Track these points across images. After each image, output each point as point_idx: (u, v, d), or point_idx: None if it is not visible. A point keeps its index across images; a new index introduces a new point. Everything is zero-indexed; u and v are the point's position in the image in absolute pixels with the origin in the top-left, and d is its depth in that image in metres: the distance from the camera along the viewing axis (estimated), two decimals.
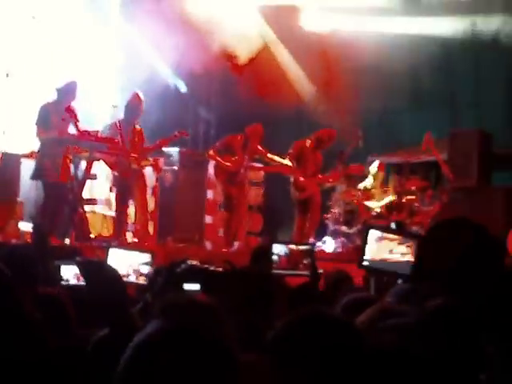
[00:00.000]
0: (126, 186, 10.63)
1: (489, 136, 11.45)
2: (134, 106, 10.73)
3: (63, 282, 5.56)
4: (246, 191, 11.73)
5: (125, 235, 10.71)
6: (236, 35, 13.44)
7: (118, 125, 10.41)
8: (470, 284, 3.46)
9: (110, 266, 3.60)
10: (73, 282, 5.57)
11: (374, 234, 6.85)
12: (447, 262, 3.50)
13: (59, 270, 5.64)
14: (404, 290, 4.66)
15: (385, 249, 6.96)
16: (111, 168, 10.77)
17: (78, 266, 3.45)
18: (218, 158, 11.50)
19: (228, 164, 11.42)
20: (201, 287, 4.58)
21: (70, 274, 5.62)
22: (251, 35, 13.76)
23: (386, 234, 6.96)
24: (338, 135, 11.70)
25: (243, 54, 13.64)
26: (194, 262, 6.34)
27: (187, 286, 4.58)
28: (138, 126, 10.79)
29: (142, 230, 10.80)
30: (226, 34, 13.28)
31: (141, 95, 10.77)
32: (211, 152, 11.63)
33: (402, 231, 9.71)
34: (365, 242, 6.14)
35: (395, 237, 6.63)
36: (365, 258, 6.55)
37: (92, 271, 3.35)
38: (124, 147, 10.44)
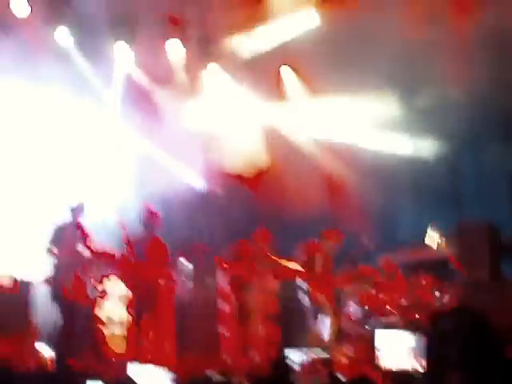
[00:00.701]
0: (142, 302, 10.64)
1: (496, 228, 11.49)
2: (147, 219, 10.87)
3: None
4: (260, 299, 11.61)
5: (143, 352, 10.64)
6: (242, 151, 13.76)
7: (128, 241, 10.50)
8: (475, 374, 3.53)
9: None
10: None
11: (382, 335, 6.95)
12: (452, 353, 3.57)
13: None
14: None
15: (395, 350, 7.08)
16: (127, 284, 10.81)
17: None
18: (229, 267, 11.51)
19: (239, 271, 11.42)
20: None
21: None
22: (257, 151, 14.08)
23: (393, 333, 7.08)
24: (346, 235, 11.81)
25: (249, 169, 13.92)
26: (215, 376, 6.35)
27: None
28: (156, 238, 10.87)
29: (160, 347, 10.74)
30: (230, 150, 13.60)
31: (153, 208, 10.91)
32: (221, 261, 11.63)
33: (408, 325, 9.73)
34: (375, 344, 6.22)
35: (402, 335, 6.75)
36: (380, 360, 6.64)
37: None
38: (138, 263, 10.51)
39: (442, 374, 3.79)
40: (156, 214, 10.97)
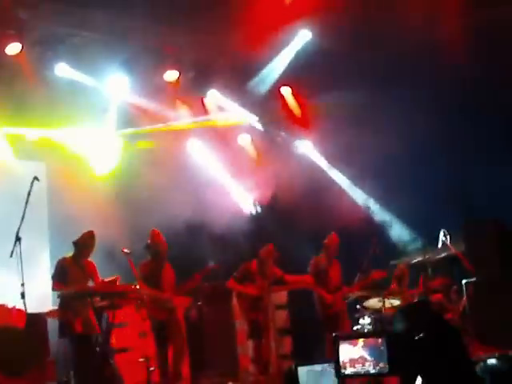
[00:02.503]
0: (162, 328, 10.58)
1: (504, 224, 11.22)
2: (155, 245, 10.83)
3: None
4: (271, 315, 11.62)
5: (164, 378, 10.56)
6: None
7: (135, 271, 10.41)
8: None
9: None
10: None
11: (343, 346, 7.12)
12: (412, 354, 3.59)
13: None
14: None
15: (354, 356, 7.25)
16: (143, 312, 10.74)
17: None
18: (239, 287, 11.50)
19: (249, 290, 11.40)
20: None
21: None
22: None
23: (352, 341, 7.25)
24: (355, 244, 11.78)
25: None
26: None
27: None
28: (166, 264, 10.87)
29: (176, 372, 10.69)
30: None
31: (160, 234, 10.88)
32: (231, 282, 11.63)
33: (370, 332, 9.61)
34: (337, 354, 6.37)
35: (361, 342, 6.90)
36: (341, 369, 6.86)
37: None
38: (148, 289, 10.43)
39: None
40: (160, 239, 10.92)
